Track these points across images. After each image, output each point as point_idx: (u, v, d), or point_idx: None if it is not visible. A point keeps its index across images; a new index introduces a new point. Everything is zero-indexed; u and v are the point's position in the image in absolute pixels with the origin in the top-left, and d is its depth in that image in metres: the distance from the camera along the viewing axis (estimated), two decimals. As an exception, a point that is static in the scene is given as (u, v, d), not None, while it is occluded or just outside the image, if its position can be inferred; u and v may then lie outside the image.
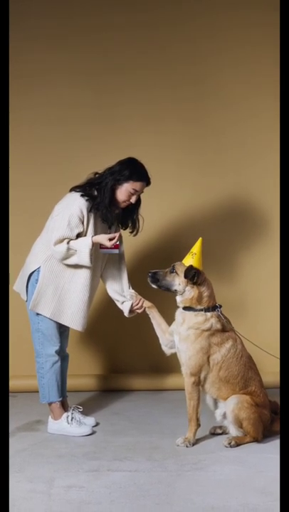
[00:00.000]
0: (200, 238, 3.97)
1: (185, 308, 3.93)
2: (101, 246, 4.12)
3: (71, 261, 4.00)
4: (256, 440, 3.86)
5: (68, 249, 3.95)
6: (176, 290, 3.93)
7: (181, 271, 3.90)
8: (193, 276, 3.86)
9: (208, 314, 3.89)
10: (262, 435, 3.87)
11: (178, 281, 3.91)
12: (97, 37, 5.32)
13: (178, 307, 3.99)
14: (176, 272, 3.92)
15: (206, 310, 3.90)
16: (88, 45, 5.33)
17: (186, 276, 3.86)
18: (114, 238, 4.00)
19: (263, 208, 5.33)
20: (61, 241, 3.95)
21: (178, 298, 3.95)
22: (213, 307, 3.92)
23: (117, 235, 4.01)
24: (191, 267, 3.87)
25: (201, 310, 3.89)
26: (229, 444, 3.82)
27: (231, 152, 5.38)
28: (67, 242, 3.96)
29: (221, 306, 3.97)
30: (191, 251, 3.94)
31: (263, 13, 5.31)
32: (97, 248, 4.08)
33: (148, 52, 5.35)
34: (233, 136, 5.38)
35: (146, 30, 5.34)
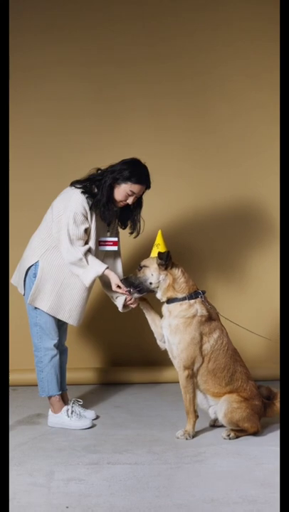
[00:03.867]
0: (159, 230, 4.02)
1: (169, 302, 3.94)
2: (100, 243, 4.13)
3: (75, 270, 4.00)
4: (255, 433, 3.87)
5: (81, 259, 3.96)
6: (151, 283, 3.93)
7: (150, 263, 3.93)
8: (167, 255, 3.88)
9: (192, 301, 3.90)
10: (259, 426, 3.88)
11: (150, 273, 3.92)
12: (97, 30, 5.32)
13: (163, 304, 4.00)
14: (144, 266, 3.94)
15: (189, 298, 3.90)
16: (88, 38, 5.32)
17: (160, 258, 3.88)
18: (121, 288, 4.02)
19: (265, 202, 5.34)
20: (74, 241, 3.95)
21: (158, 294, 3.97)
22: (195, 293, 3.93)
23: (127, 293, 4.00)
24: (160, 252, 3.90)
25: (184, 299, 3.90)
26: (228, 436, 3.83)
27: (232, 146, 5.38)
28: (85, 253, 3.97)
29: (204, 292, 3.98)
30: (155, 243, 3.98)
31: (263, 6, 5.31)
32: (96, 245, 4.09)
33: (148, 46, 5.34)
34: (233, 130, 5.38)
35: (147, 24, 5.34)
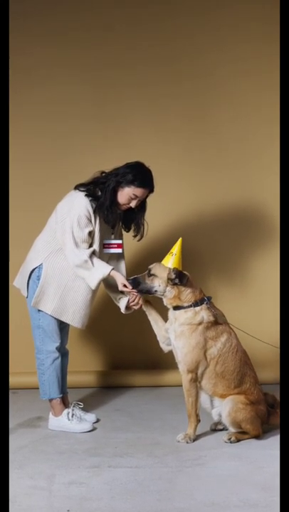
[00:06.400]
0: (180, 238, 3.97)
1: (175, 308, 3.94)
2: (104, 245, 4.13)
3: (81, 272, 4.01)
4: (256, 436, 3.86)
5: (87, 261, 3.97)
6: (156, 291, 3.94)
7: (160, 272, 3.91)
8: (186, 280, 3.88)
9: (197, 308, 3.89)
10: (261, 431, 3.87)
11: (157, 283, 3.92)
12: (97, 33, 5.31)
13: (168, 308, 4.00)
14: (154, 274, 3.93)
15: (195, 305, 3.90)
16: (88, 40, 5.31)
17: (181, 282, 3.86)
18: (127, 287, 4.02)
19: (266, 203, 5.32)
20: (79, 244, 3.97)
21: (163, 300, 3.97)
22: (201, 300, 3.92)
23: (133, 291, 4.01)
24: (178, 271, 3.88)
25: (190, 306, 3.90)
26: (229, 439, 3.83)
27: (232, 148, 5.38)
28: (91, 255, 3.98)
29: (210, 298, 3.97)
30: (171, 251, 3.95)
31: (263, 8, 5.30)
32: (101, 247, 4.10)
33: (148, 48, 5.33)
34: (234, 132, 5.37)
35: (147, 27, 5.33)
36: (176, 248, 3.94)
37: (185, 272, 3.92)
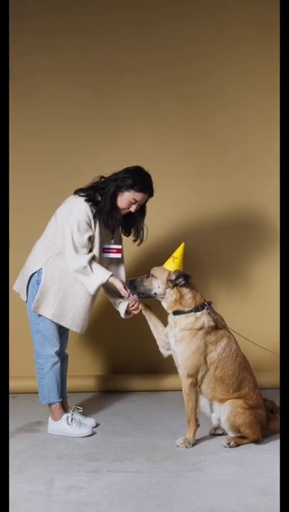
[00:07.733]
0: (182, 243, 3.97)
1: (175, 313, 3.93)
2: (104, 250, 4.13)
3: (80, 278, 4.03)
4: (255, 441, 3.85)
5: (86, 267, 3.97)
6: (156, 294, 3.92)
7: (159, 274, 3.91)
8: (188, 280, 3.88)
9: (198, 313, 3.89)
10: (260, 435, 3.86)
11: (156, 285, 3.91)
12: (97, 36, 5.32)
13: (168, 313, 3.99)
14: (152, 276, 3.92)
15: (195, 310, 3.89)
16: (88, 44, 5.33)
17: (186, 281, 3.86)
18: (126, 289, 4.03)
19: (267, 207, 5.32)
20: (79, 249, 3.97)
21: (163, 304, 3.96)
22: (201, 305, 3.92)
23: (133, 297, 4.03)
24: (180, 272, 3.88)
25: (190, 311, 3.89)
26: (228, 444, 3.82)
27: (232, 151, 5.38)
28: (90, 261, 3.98)
29: (210, 303, 3.96)
30: (173, 255, 3.95)
31: (263, 11, 5.31)
32: (100, 252, 4.10)
33: (148, 52, 5.34)
34: (234, 135, 5.38)
35: (146, 30, 5.34)
36: (178, 252, 3.94)
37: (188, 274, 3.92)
